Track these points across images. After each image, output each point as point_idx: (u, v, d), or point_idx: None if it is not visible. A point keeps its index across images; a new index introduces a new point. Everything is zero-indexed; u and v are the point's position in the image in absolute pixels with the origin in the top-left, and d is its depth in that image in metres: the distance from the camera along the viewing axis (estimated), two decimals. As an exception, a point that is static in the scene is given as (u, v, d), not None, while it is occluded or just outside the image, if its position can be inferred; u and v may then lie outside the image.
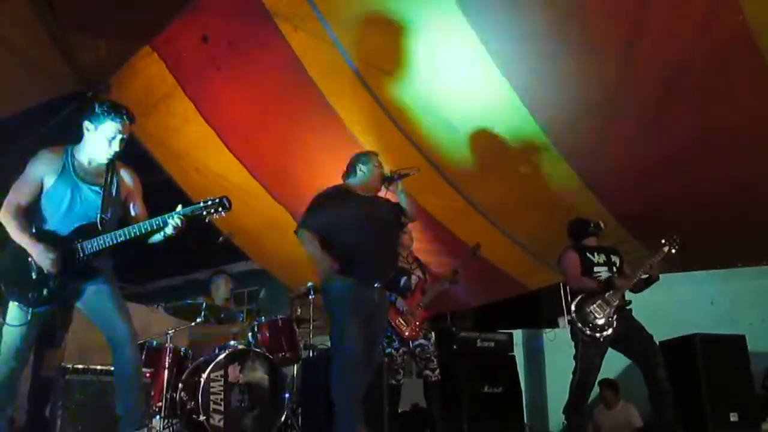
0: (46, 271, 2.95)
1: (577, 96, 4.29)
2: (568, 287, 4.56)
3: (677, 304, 6.37)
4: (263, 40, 4.70)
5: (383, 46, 4.53)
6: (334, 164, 5.58)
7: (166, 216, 2.97)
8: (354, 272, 3.57)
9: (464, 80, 4.50)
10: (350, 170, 3.96)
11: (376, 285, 3.69)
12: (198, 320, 4.67)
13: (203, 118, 5.45)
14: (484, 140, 4.87)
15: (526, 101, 4.44)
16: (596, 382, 4.52)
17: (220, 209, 2.99)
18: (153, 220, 2.98)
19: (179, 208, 3.01)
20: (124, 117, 3.06)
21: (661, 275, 4.47)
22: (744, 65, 3.76)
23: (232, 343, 4.48)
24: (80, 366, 3.78)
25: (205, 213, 3.00)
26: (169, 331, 4.49)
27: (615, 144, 4.56)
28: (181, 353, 4.52)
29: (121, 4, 4.55)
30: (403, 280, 4.93)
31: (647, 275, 4.28)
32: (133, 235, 2.98)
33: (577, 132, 4.57)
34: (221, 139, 5.61)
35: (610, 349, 4.29)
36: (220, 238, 5.50)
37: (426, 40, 4.40)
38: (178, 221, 2.97)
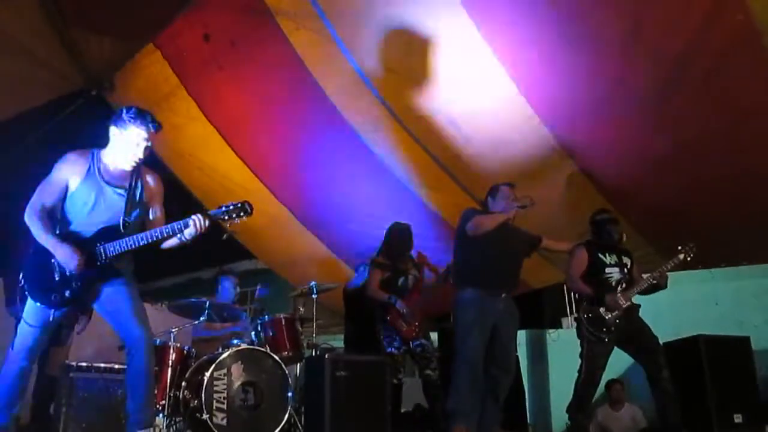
0: (68, 273, 2.95)
1: (580, 92, 4.29)
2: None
3: (682, 305, 6.34)
4: (265, 38, 4.70)
5: (386, 44, 4.52)
6: (336, 162, 5.61)
7: (188, 219, 2.94)
8: (480, 283, 4.04)
9: (467, 77, 4.50)
10: (486, 198, 4.38)
11: (502, 296, 4.10)
12: (201, 318, 4.67)
13: (206, 116, 5.46)
14: (489, 139, 4.87)
15: (530, 100, 4.44)
16: (601, 382, 4.52)
17: (242, 214, 2.97)
18: (175, 224, 2.96)
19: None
20: (149, 124, 3.06)
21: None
22: (749, 59, 3.74)
23: (235, 341, 4.48)
24: (84, 364, 3.79)
25: (226, 218, 2.97)
26: (173, 330, 4.49)
27: (618, 140, 4.56)
28: (185, 352, 4.51)
29: (125, 2, 4.56)
30: (400, 280, 4.94)
31: (656, 281, 4.27)
32: (155, 238, 2.96)
33: (581, 128, 4.57)
34: (224, 138, 5.62)
35: (615, 350, 4.29)
36: (224, 236, 5.50)
37: (429, 38, 4.39)
38: (205, 222, 2.94)
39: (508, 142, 4.84)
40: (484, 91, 4.55)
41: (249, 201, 3.01)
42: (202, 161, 5.86)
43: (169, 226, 2.97)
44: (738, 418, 4.29)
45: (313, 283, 5.00)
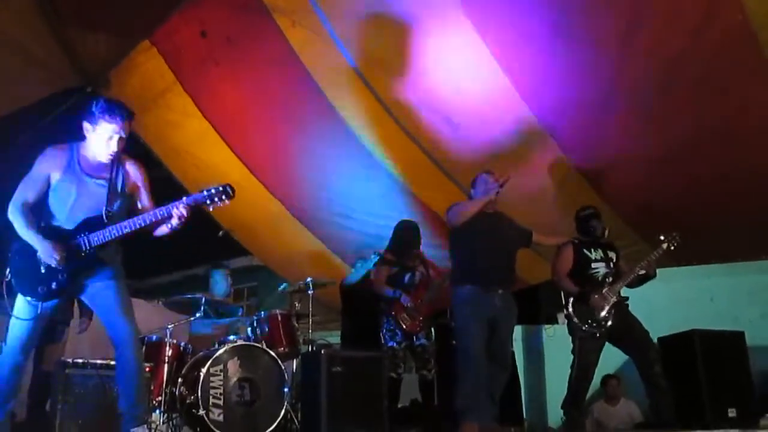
0: (53, 265, 2.96)
1: (575, 90, 4.30)
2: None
3: (677, 301, 6.37)
4: (261, 35, 4.70)
5: (382, 41, 4.53)
6: (333, 158, 5.61)
7: (171, 206, 2.96)
8: (476, 280, 4.02)
9: (463, 75, 4.50)
10: (470, 192, 4.35)
11: (499, 291, 4.08)
12: (197, 315, 4.67)
13: (202, 113, 5.46)
14: (483, 135, 4.88)
15: (525, 96, 4.45)
16: (596, 377, 4.54)
17: (224, 197, 2.97)
18: (157, 210, 2.98)
19: (184, 198, 3.01)
20: (118, 117, 3.03)
21: (661, 270, 4.48)
22: (744, 57, 3.76)
23: (231, 337, 4.49)
24: (80, 360, 3.78)
25: (209, 202, 2.98)
26: (169, 326, 4.50)
27: (613, 137, 4.58)
28: (181, 348, 4.52)
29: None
30: (407, 277, 4.96)
31: (644, 272, 4.30)
32: (138, 226, 2.98)
33: (576, 125, 4.58)
34: (220, 135, 5.62)
35: (609, 346, 4.31)
36: (220, 233, 5.51)
37: (425, 35, 4.40)
38: (183, 211, 2.96)
39: (504, 139, 4.86)
40: (481, 89, 4.56)
41: (231, 184, 3.00)
42: (198, 158, 5.86)
43: (152, 212, 2.99)
44: (732, 413, 4.29)
45: (309, 279, 5.01)
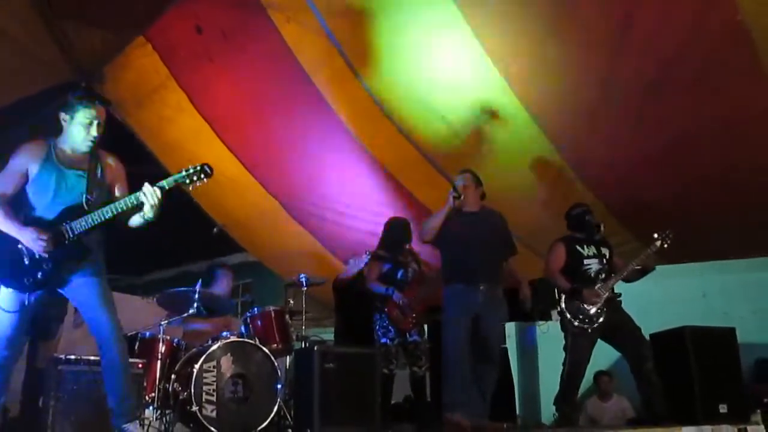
0: (38, 255, 2.96)
1: (569, 87, 4.31)
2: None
3: (669, 297, 6.38)
4: (256, 31, 4.70)
5: (376, 37, 4.52)
6: (327, 155, 5.61)
7: (151, 187, 2.94)
8: (461, 277, 4.09)
9: (456, 72, 4.51)
10: None
11: (481, 288, 4.10)
12: (191, 311, 4.66)
13: (196, 109, 5.45)
14: (476, 132, 4.89)
15: (518, 93, 4.46)
16: (588, 374, 4.56)
17: (202, 176, 2.99)
18: (137, 193, 2.96)
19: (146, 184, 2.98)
20: (96, 102, 3.08)
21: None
22: (736, 58, 3.78)
23: (225, 334, 4.48)
24: (72, 357, 3.77)
25: (188, 181, 2.99)
26: (162, 322, 4.49)
27: (607, 135, 4.59)
28: (174, 344, 4.51)
29: (116, -5, 4.55)
30: (400, 273, 4.96)
31: (640, 266, 4.32)
32: (119, 210, 2.98)
33: (569, 123, 4.60)
34: (214, 131, 5.62)
35: (601, 343, 4.32)
36: (215, 229, 5.51)
37: (419, 31, 4.41)
38: (159, 193, 2.94)
39: (499, 137, 4.87)
40: (475, 86, 4.57)
41: (208, 163, 3.01)
42: (192, 154, 5.85)
43: (132, 195, 2.97)
44: (723, 408, 4.32)
45: (303, 275, 5.01)
